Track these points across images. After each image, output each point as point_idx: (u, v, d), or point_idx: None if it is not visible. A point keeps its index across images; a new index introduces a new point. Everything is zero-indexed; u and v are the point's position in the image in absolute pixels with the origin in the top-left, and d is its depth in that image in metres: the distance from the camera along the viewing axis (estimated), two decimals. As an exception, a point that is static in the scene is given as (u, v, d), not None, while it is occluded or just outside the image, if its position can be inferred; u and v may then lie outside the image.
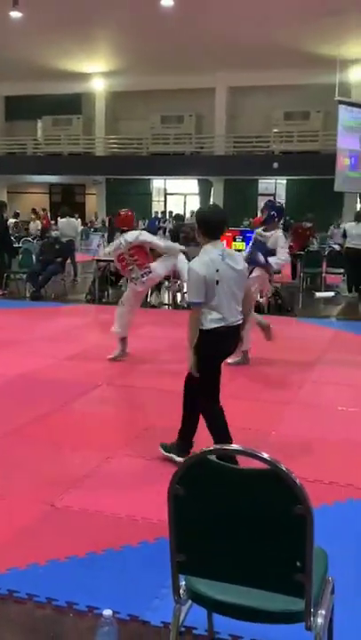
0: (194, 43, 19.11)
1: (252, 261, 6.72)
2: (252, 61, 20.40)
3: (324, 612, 1.93)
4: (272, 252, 6.74)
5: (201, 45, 19.30)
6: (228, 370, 6.42)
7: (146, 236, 6.83)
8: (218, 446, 1.81)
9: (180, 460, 3.68)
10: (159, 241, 7.19)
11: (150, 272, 6.72)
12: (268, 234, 6.87)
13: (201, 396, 3.97)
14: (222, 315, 3.78)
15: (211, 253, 3.77)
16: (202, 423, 4.01)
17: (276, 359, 6.87)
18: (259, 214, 8.15)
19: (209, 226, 3.85)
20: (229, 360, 6.20)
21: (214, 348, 3.87)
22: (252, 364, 6.71)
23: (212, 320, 3.78)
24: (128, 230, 6.79)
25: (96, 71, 24.25)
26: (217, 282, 3.72)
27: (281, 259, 6.85)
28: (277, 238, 6.82)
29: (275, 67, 20.58)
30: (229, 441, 3.76)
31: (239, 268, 3.85)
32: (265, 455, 1.77)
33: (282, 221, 23.45)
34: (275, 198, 26.41)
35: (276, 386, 6.05)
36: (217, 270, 3.72)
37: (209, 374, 3.93)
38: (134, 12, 17.13)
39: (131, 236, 6.66)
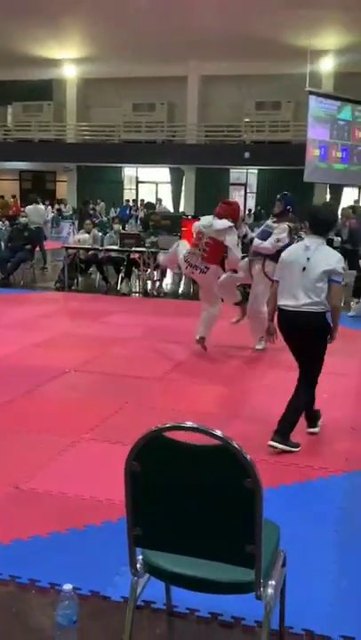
0: (166, 31, 19.04)
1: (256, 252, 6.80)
2: (224, 51, 20.40)
3: (274, 582, 2.02)
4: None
5: (173, 34, 19.25)
6: (199, 356, 6.54)
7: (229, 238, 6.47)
8: (172, 423, 1.87)
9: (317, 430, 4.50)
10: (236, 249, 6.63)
11: (206, 270, 6.54)
12: (275, 225, 6.71)
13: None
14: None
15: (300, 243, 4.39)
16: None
17: (242, 346, 6.97)
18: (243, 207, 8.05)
19: (311, 221, 4.37)
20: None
21: None
22: (220, 350, 6.81)
23: None
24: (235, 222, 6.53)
25: (67, 58, 24.02)
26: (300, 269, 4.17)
27: (267, 241, 6.60)
28: (282, 230, 6.58)
29: (247, 56, 20.61)
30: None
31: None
32: (218, 432, 1.84)
33: (253, 212, 23.60)
34: (246, 188, 26.57)
35: (241, 371, 6.15)
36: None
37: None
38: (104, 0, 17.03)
39: (220, 224, 6.44)
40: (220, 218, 6.48)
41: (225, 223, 6.42)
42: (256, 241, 6.70)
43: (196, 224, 6.75)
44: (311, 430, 4.52)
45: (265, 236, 6.68)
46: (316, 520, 3.32)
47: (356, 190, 23.78)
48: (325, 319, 4.16)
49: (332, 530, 3.22)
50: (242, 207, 25.71)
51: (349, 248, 11.42)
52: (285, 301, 4.19)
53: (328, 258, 4.12)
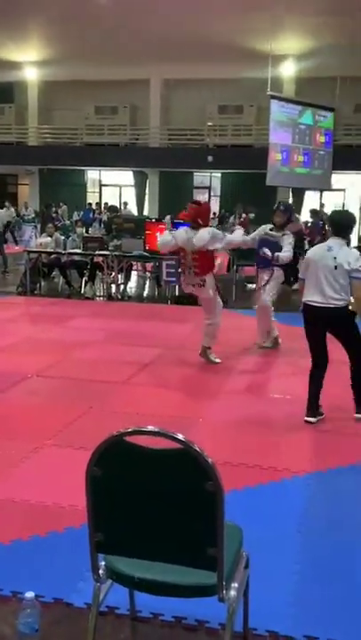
0: (128, 34, 19.02)
1: (261, 261, 7.03)
2: (186, 54, 20.46)
3: (237, 584, 2.03)
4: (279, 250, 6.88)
5: (135, 37, 19.23)
6: (164, 359, 6.54)
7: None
8: (134, 427, 1.87)
9: None
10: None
11: (203, 283, 6.31)
12: (278, 234, 6.94)
13: None
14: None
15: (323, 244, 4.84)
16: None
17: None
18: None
19: (333, 224, 4.88)
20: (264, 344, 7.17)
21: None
22: (185, 353, 6.82)
23: None
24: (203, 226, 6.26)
25: (28, 60, 23.81)
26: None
27: (285, 254, 6.87)
28: (292, 239, 7.02)
29: (209, 60, 20.69)
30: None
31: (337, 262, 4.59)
32: (179, 436, 1.84)
33: (218, 215, 23.66)
34: (210, 191, 26.69)
35: (206, 374, 6.16)
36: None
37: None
38: (66, 2, 16.92)
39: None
40: (192, 221, 6.23)
41: (204, 236, 6.13)
42: (265, 250, 6.86)
43: (169, 239, 6.34)
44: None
45: (270, 245, 6.88)
46: (280, 521, 3.34)
47: (317, 194, 24.09)
48: (347, 308, 4.66)
49: (295, 530, 3.24)
50: (205, 210, 25.84)
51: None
52: (312, 297, 4.65)
53: (349, 257, 4.58)
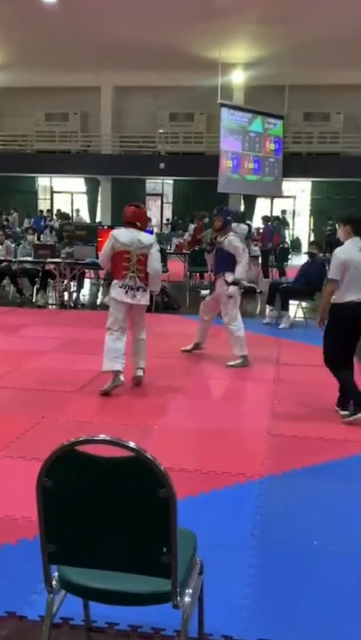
0: (78, 40, 18.95)
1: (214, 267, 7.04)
2: (137, 61, 20.50)
3: (191, 590, 2.03)
4: (234, 259, 6.79)
5: (85, 43, 19.17)
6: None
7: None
8: (85, 436, 1.86)
9: None
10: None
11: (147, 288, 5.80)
12: (223, 239, 6.86)
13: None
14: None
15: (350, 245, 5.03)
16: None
17: (161, 355, 7.00)
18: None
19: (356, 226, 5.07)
20: (230, 362, 6.77)
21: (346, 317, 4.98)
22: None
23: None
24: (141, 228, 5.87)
25: (-24, 66, 23.51)
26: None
27: (242, 263, 6.80)
28: (236, 248, 6.77)
29: (160, 68, 20.78)
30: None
31: None
32: (131, 444, 1.84)
33: (171, 221, 23.71)
34: (162, 198, 26.77)
35: (160, 381, 6.15)
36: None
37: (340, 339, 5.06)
38: (15, 7, 16.77)
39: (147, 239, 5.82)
40: (134, 223, 5.79)
41: (150, 237, 5.90)
42: (226, 278, 6.79)
43: (112, 243, 5.72)
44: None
45: (223, 257, 6.83)
46: (234, 526, 3.37)
47: (268, 200, 24.41)
48: None
49: (248, 534, 3.27)
50: (158, 217, 25.95)
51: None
52: (355, 296, 4.89)
53: None
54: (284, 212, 22.85)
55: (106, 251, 5.81)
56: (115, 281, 5.76)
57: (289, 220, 23.56)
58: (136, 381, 5.87)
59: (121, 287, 5.68)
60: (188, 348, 7.24)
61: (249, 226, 15.69)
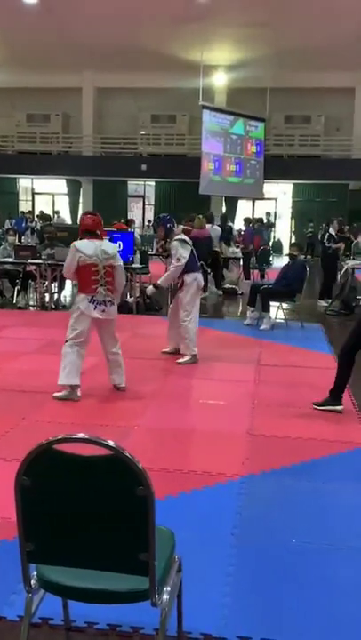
0: (59, 41, 18.92)
1: None
2: (118, 63, 20.52)
3: (169, 588, 2.04)
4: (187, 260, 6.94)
5: (67, 44, 19.15)
6: (99, 368, 6.49)
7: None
8: (63, 435, 1.86)
9: (341, 407, 5.28)
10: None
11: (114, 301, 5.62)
12: (168, 244, 7.06)
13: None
14: None
15: None
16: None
17: (142, 356, 7.01)
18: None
19: None
20: (180, 360, 6.83)
21: None
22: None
23: None
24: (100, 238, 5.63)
25: None
26: None
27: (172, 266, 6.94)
28: (173, 254, 6.88)
29: (141, 69, 20.81)
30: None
31: None
32: (110, 442, 1.84)
33: (152, 223, 23.77)
34: (144, 200, 26.78)
35: (140, 382, 6.16)
36: None
37: None
38: (-4, 7, 16.71)
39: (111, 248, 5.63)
40: (94, 232, 5.59)
41: (113, 245, 5.76)
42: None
43: (76, 256, 5.46)
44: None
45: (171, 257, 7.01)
46: (213, 525, 3.38)
47: (250, 202, 24.51)
48: None
49: (228, 533, 3.29)
50: (140, 219, 25.96)
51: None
52: None
53: None
54: (268, 214, 22.97)
55: (71, 263, 5.50)
56: (82, 295, 5.49)
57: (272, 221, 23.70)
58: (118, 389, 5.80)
59: (90, 302, 5.44)
60: (169, 349, 7.25)
61: (230, 227, 15.74)
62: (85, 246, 5.46)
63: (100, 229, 5.65)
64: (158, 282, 7.05)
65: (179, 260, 6.81)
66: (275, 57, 18.65)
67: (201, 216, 12.26)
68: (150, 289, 7.34)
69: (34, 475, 1.87)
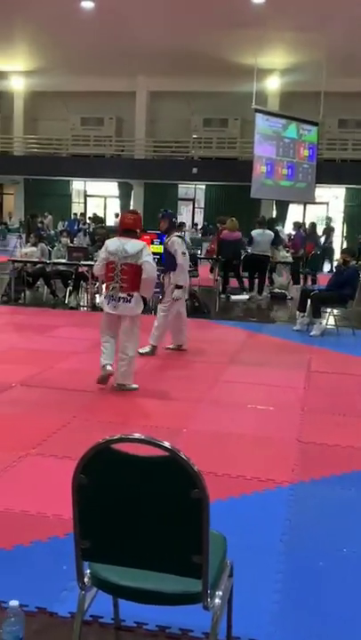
0: (115, 46, 19.14)
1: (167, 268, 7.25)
2: (172, 67, 20.63)
3: (221, 592, 2.04)
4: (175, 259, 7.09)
5: (122, 49, 19.35)
6: (144, 369, 6.53)
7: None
8: (120, 435, 1.88)
9: None
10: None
11: (130, 298, 5.68)
12: (167, 240, 7.23)
13: None
14: None
15: None
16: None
17: (190, 359, 7.02)
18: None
19: None
20: (140, 350, 6.70)
21: None
22: (167, 363, 6.83)
23: None
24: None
25: (14, 70, 23.87)
26: None
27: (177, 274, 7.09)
28: (175, 251, 7.07)
29: (195, 73, 20.88)
30: None
31: None
32: (165, 443, 1.86)
33: (201, 227, 23.79)
34: (194, 203, 26.83)
35: (189, 385, 6.17)
36: None
37: None
38: (54, 12, 17.00)
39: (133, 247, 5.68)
40: (132, 230, 5.80)
41: (138, 244, 5.70)
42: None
43: (104, 252, 5.80)
44: None
45: (165, 255, 7.24)
46: (263, 531, 3.36)
47: (301, 207, 24.29)
48: None
49: (277, 540, 3.26)
50: (190, 222, 26.01)
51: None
52: None
53: None
54: (329, 218, 22.75)
55: (100, 258, 5.89)
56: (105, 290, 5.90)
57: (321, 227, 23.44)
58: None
59: (105, 297, 5.80)
60: (172, 346, 7.46)
61: (277, 231, 15.63)
62: (111, 243, 5.78)
63: (139, 228, 5.92)
64: (179, 282, 7.10)
65: (184, 253, 7.09)
66: (328, 61, 18.44)
67: (234, 219, 12.77)
68: (177, 293, 7.10)
69: (91, 473, 1.89)
